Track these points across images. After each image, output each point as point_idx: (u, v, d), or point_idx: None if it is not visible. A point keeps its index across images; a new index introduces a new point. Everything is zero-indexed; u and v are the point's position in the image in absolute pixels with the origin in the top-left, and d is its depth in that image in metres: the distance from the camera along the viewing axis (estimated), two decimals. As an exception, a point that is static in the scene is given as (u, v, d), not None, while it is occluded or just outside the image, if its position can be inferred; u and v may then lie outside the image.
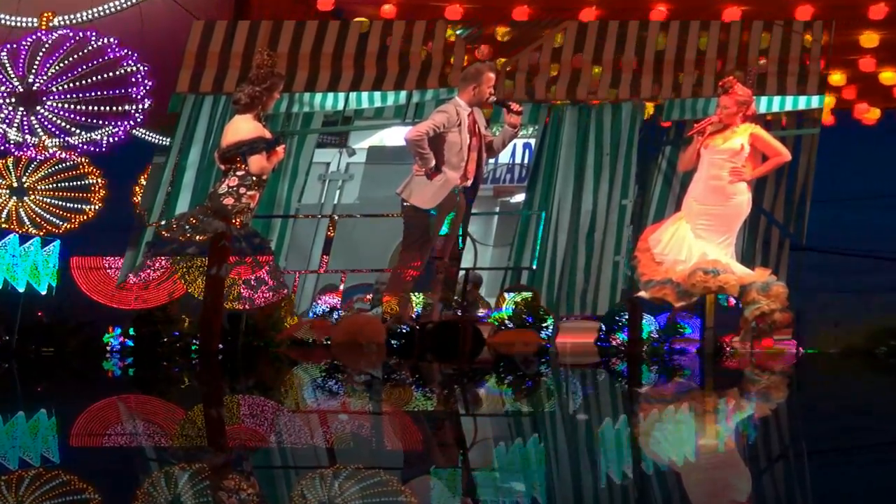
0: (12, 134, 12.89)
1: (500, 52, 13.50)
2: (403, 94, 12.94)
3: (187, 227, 9.62)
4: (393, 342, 10.22)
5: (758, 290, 10.13)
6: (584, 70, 12.73)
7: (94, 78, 12.77)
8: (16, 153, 13.00)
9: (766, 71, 12.40)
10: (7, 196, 13.14)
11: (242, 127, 9.61)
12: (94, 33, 12.84)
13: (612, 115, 12.73)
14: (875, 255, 14.99)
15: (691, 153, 10.41)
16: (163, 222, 11.83)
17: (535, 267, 12.54)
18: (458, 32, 13.28)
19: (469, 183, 10.25)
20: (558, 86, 12.71)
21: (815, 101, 12.54)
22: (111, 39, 12.77)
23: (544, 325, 11.17)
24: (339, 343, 10.44)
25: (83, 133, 12.88)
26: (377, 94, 12.98)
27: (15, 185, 13.16)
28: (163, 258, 10.03)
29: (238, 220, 9.47)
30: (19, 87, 12.79)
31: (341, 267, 12.58)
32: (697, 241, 10.24)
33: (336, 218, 13.15)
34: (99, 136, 12.86)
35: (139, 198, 13.96)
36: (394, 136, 14.23)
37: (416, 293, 10.40)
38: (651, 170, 13.20)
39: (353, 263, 12.68)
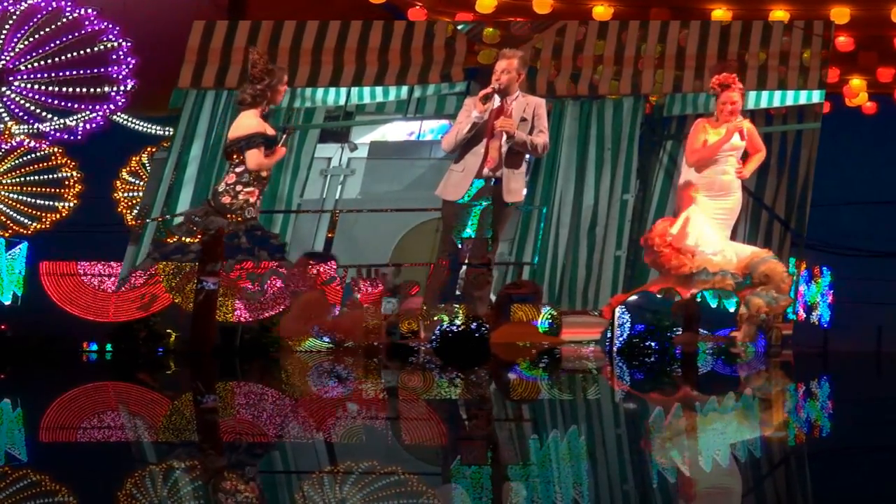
0: (-27, 120, 11.35)
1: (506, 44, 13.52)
2: (405, 88, 12.98)
3: (194, 219, 9.67)
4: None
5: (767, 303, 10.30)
6: (584, 66, 12.75)
7: (68, 55, 11.51)
8: (-23, 142, 11.54)
9: (760, 66, 12.46)
10: (-34, 192, 11.74)
11: (244, 122, 9.67)
12: (69, 3, 11.55)
13: (614, 110, 12.76)
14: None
15: (716, 152, 10.48)
16: (165, 218, 11.84)
17: (535, 262, 12.56)
18: (458, 28, 13.30)
19: (496, 170, 10.14)
20: (559, 81, 12.73)
21: (815, 96, 12.58)
22: (89, 10, 11.50)
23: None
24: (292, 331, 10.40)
25: (56, 118, 11.70)
26: (379, 90, 13.03)
27: (-25, 178, 11.83)
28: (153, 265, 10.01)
29: (238, 216, 9.49)
30: (-19, 65, 11.35)
31: (343, 262, 12.60)
32: (718, 233, 10.42)
33: (338, 214, 13.18)
34: (74, 122, 11.70)
35: (120, 193, 13.79)
36: (396, 130, 14.25)
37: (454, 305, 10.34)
38: (652, 165, 13.23)
39: (355, 258, 12.69)
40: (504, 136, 10.11)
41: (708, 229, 10.42)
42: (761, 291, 10.24)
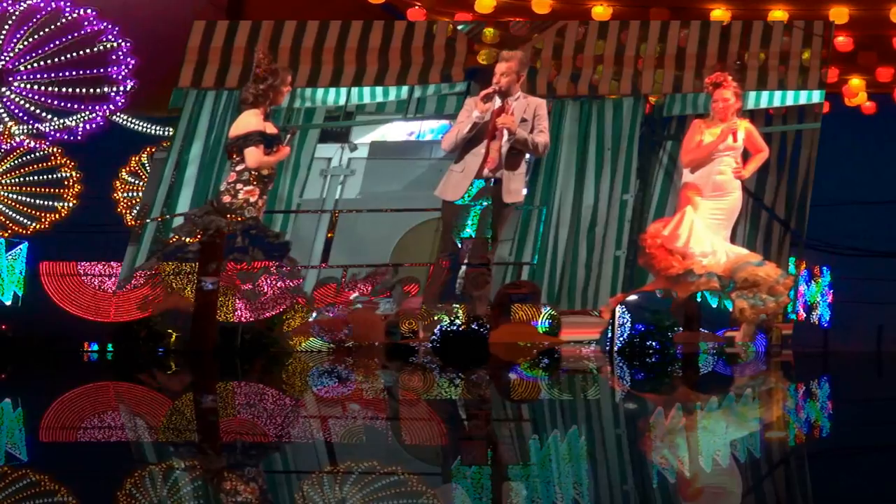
0: (-28, 120, 11.35)
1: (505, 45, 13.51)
2: (405, 89, 12.98)
3: (194, 219, 9.70)
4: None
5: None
6: (584, 66, 12.75)
7: (68, 55, 11.52)
8: (-24, 142, 11.53)
9: (760, 66, 12.45)
10: (-34, 192, 11.71)
11: (243, 121, 9.69)
12: (68, 3, 11.57)
13: (614, 109, 12.77)
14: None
15: (711, 153, 10.44)
16: (165, 218, 11.85)
17: (535, 262, 12.56)
18: (458, 28, 13.31)
19: (496, 171, 10.10)
20: (559, 81, 12.73)
21: (815, 96, 12.58)
22: (89, 11, 11.52)
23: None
24: None
25: (55, 119, 11.69)
26: (379, 90, 13.02)
27: (-25, 179, 11.80)
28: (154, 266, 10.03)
29: (238, 216, 9.49)
30: (-20, 65, 11.33)
31: (343, 262, 12.60)
32: (713, 234, 10.37)
33: (338, 213, 13.18)
34: (74, 123, 11.70)
35: (120, 193, 13.80)
36: (396, 131, 14.25)
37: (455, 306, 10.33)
38: (652, 164, 13.24)
39: (355, 258, 12.69)
40: (505, 136, 10.10)
41: (701, 230, 10.39)
42: (747, 294, 10.21)
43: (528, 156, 10.55)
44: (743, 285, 10.24)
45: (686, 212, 10.51)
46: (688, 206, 10.52)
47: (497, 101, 10.14)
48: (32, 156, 11.96)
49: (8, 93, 11.64)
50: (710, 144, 10.45)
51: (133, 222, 12.77)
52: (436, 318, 10.26)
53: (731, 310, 10.42)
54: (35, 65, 11.66)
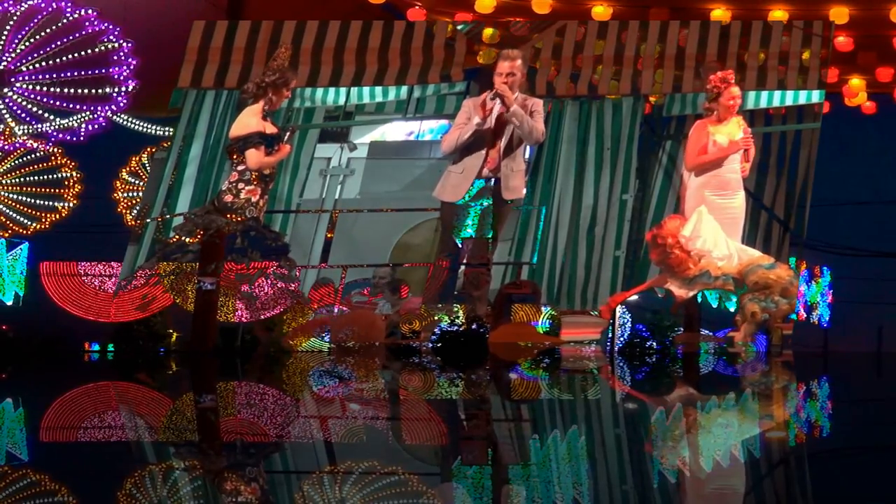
0: (-27, 121, 11.35)
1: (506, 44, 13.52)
2: (405, 89, 12.97)
3: (194, 218, 9.70)
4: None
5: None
6: (584, 66, 12.76)
7: (69, 56, 11.53)
8: (-22, 142, 11.52)
9: (760, 66, 12.46)
10: (-33, 192, 11.68)
11: (243, 121, 9.67)
12: (69, 3, 11.60)
13: (613, 109, 12.77)
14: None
15: (722, 157, 10.32)
16: (165, 218, 11.86)
17: (535, 262, 12.57)
18: (458, 28, 13.31)
19: (495, 172, 10.06)
20: (558, 81, 12.74)
21: (815, 96, 12.59)
22: (90, 11, 11.53)
23: None
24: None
25: (57, 119, 11.69)
26: (378, 90, 13.01)
27: (-24, 179, 11.77)
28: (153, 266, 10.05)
29: (239, 216, 9.49)
30: (-18, 66, 11.33)
31: (342, 262, 12.61)
32: (727, 235, 10.31)
33: (337, 213, 13.20)
34: (75, 123, 11.70)
35: (120, 193, 13.81)
36: (395, 131, 14.26)
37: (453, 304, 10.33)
38: (652, 165, 13.26)
39: (353, 258, 12.71)
40: (504, 139, 10.08)
41: (720, 232, 10.28)
42: (759, 297, 10.16)
43: (527, 154, 10.53)
44: (753, 288, 10.18)
45: (702, 212, 10.28)
46: (701, 205, 10.32)
47: (498, 103, 10.12)
48: (33, 156, 11.94)
49: (10, 93, 11.61)
50: (729, 147, 10.27)
51: (133, 222, 12.79)
52: (436, 318, 10.26)
53: (739, 311, 10.35)
54: (36, 65, 11.64)
